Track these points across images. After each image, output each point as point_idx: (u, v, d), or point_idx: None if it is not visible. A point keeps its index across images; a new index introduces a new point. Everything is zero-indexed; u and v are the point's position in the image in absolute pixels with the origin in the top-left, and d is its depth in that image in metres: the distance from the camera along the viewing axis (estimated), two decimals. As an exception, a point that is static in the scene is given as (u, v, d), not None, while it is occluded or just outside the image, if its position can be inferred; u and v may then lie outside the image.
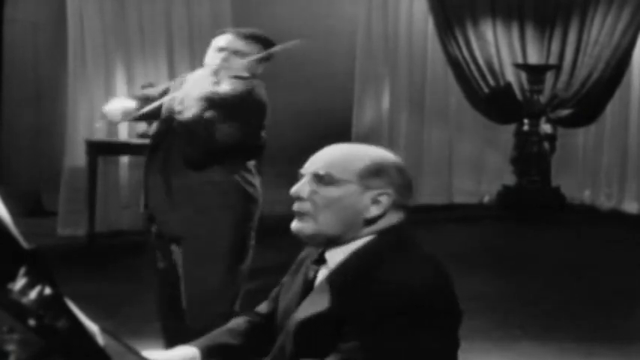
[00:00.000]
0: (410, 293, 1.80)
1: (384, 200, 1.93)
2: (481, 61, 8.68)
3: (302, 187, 1.96)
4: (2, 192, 1.65)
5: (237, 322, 2.19)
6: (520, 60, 8.73)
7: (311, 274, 2.00)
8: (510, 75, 8.75)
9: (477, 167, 9.07)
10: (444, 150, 8.94)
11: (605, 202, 8.68)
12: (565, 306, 5.56)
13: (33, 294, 1.24)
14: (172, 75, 6.96)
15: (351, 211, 1.93)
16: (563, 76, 8.75)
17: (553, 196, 8.59)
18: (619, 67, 8.42)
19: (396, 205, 1.95)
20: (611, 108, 8.62)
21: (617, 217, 8.41)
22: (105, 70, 7.37)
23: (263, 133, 3.64)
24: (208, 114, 3.40)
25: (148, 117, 3.69)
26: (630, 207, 8.48)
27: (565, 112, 8.67)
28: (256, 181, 3.62)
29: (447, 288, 1.88)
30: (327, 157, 1.98)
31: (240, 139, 3.45)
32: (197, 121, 3.37)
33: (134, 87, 7.19)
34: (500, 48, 8.72)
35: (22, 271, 1.26)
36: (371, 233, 1.95)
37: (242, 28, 3.76)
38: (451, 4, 8.58)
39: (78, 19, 7.27)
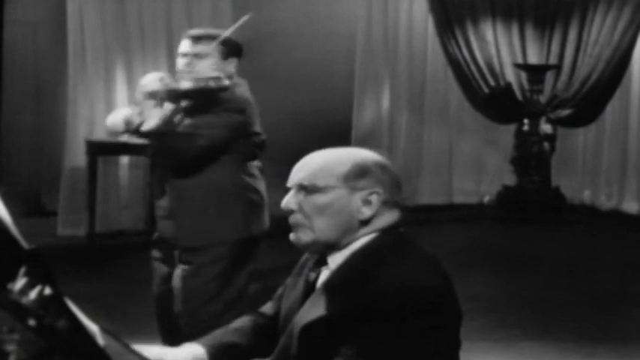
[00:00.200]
0: (410, 293, 1.80)
1: (374, 199, 1.93)
2: (481, 61, 8.68)
3: (290, 199, 1.97)
4: (2, 192, 1.65)
5: (243, 321, 2.19)
6: (520, 60, 8.73)
7: (312, 277, 2.01)
8: (510, 75, 8.75)
9: (477, 167, 9.07)
10: (444, 150, 8.94)
11: (605, 202, 8.68)
12: (565, 306, 5.55)
13: (33, 294, 1.24)
14: (172, 75, 6.94)
15: (344, 214, 1.93)
16: (563, 76, 8.75)
17: (553, 196, 8.59)
18: (619, 67, 8.42)
19: (388, 203, 1.95)
20: (611, 108, 8.61)
21: (617, 217, 8.40)
22: (105, 70, 7.37)
23: (257, 131, 3.61)
24: (173, 115, 3.38)
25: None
26: (630, 207, 8.48)
27: (565, 112, 8.67)
28: (260, 185, 3.60)
29: (447, 288, 1.89)
30: (308, 166, 1.98)
31: (220, 137, 3.41)
32: (159, 131, 3.36)
33: (134, 87, 7.18)
34: (500, 48, 8.71)
35: (22, 271, 1.26)
36: (369, 233, 1.95)
37: (196, 29, 3.76)
38: (451, 4, 8.57)
39: (78, 19, 7.27)
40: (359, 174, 1.94)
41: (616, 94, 8.50)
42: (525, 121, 8.62)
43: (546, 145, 8.61)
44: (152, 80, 3.40)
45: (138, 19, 7.49)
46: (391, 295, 1.79)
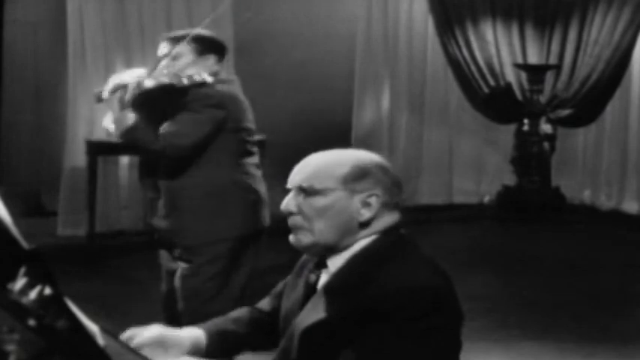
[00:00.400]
0: (411, 295, 1.80)
1: (374, 201, 1.93)
2: (481, 61, 8.68)
3: (289, 202, 1.97)
4: (2, 192, 1.65)
5: (242, 312, 2.20)
6: (520, 60, 8.73)
7: (312, 279, 2.00)
8: (510, 75, 8.75)
9: (477, 167, 9.07)
10: (444, 150, 8.93)
11: (605, 202, 8.68)
12: (565, 306, 5.56)
13: (33, 294, 1.24)
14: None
15: (344, 217, 1.92)
16: (563, 76, 8.74)
17: (553, 196, 8.58)
18: (619, 67, 8.41)
19: (387, 205, 1.95)
20: (611, 108, 8.61)
21: (617, 217, 8.40)
22: (105, 70, 7.36)
23: (247, 127, 3.59)
24: (138, 123, 3.38)
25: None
26: (630, 207, 8.47)
27: (565, 112, 8.67)
28: (257, 183, 3.59)
29: (448, 289, 1.89)
30: (307, 168, 1.97)
31: (201, 134, 3.40)
32: (131, 132, 3.36)
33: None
34: (500, 48, 8.71)
35: (22, 271, 1.26)
36: (369, 235, 1.94)
37: (175, 31, 3.77)
38: (451, 4, 8.57)
39: (78, 19, 7.27)
40: (358, 176, 1.94)
41: (616, 94, 8.50)
42: (525, 121, 8.62)
43: (546, 145, 8.61)
44: (115, 79, 3.41)
45: (138, 19, 7.48)
46: (391, 297, 1.79)
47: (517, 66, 8.69)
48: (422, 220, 7.80)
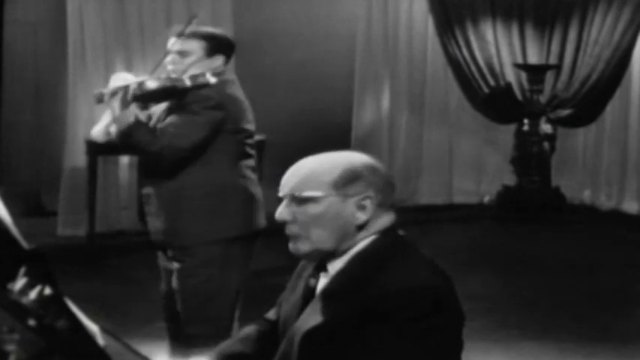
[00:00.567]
0: (411, 295, 1.79)
1: (368, 204, 1.91)
2: (481, 61, 8.67)
3: (283, 211, 1.95)
4: (2, 192, 1.65)
5: (249, 330, 2.19)
6: (520, 60, 8.73)
7: (312, 283, 2.00)
8: (510, 75, 8.75)
9: (477, 167, 9.07)
10: (444, 150, 8.93)
11: (605, 202, 8.67)
12: (565, 306, 5.56)
13: (33, 294, 1.24)
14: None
15: (340, 222, 1.91)
16: (563, 76, 8.74)
17: (553, 196, 8.58)
18: (619, 67, 8.41)
19: (382, 206, 1.94)
20: (611, 108, 8.61)
21: (617, 217, 8.40)
22: (105, 70, 7.36)
23: (246, 128, 3.58)
24: (137, 124, 3.37)
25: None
26: (630, 207, 8.47)
27: (565, 112, 8.66)
28: (252, 185, 3.57)
29: (448, 289, 1.88)
30: (297, 175, 1.95)
31: (198, 136, 3.39)
32: (128, 132, 3.34)
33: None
34: (500, 48, 8.71)
35: (22, 271, 1.26)
36: (367, 237, 1.93)
37: (185, 27, 3.76)
38: (451, 4, 8.57)
39: (78, 18, 7.27)
40: (349, 180, 1.92)
41: (616, 94, 8.50)
42: (525, 121, 8.62)
43: (546, 145, 8.61)
44: (116, 79, 3.41)
45: (138, 19, 7.48)
46: (392, 297, 1.79)
47: (517, 66, 8.69)
48: (422, 220, 7.80)
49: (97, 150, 6.97)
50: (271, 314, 2.19)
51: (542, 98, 8.65)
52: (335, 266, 1.94)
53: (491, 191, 8.85)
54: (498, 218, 8.36)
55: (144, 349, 2.11)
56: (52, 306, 1.25)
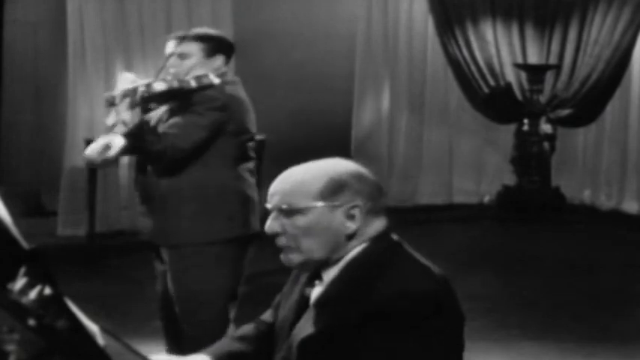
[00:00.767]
0: (409, 300, 1.79)
1: (357, 212, 1.89)
2: (481, 61, 8.67)
3: (272, 224, 1.93)
4: (2, 192, 1.65)
5: (247, 329, 2.18)
6: (520, 60, 8.73)
7: (307, 291, 1.98)
8: (510, 75, 8.75)
9: (477, 167, 9.07)
10: (444, 150, 8.93)
11: (605, 202, 8.68)
12: (565, 306, 5.56)
13: (33, 294, 1.24)
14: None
15: (330, 232, 1.89)
16: (563, 76, 8.74)
17: (553, 196, 8.58)
18: (619, 67, 8.41)
19: (372, 212, 1.91)
20: (611, 108, 8.61)
21: (617, 217, 8.40)
22: (105, 70, 7.36)
23: (249, 130, 3.58)
24: (143, 124, 3.37)
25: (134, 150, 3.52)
26: (630, 207, 8.47)
27: (565, 112, 8.67)
28: (249, 188, 3.56)
29: (446, 291, 1.87)
30: (283, 187, 1.93)
31: (201, 137, 3.39)
32: (133, 136, 3.33)
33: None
34: (500, 48, 8.71)
35: (22, 271, 1.26)
36: (359, 244, 1.92)
37: (183, 30, 3.76)
38: (451, 4, 8.57)
39: (78, 19, 7.27)
40: (335, 189, 1.89)
41: (616, 93, 8.50)
42: (525, 121, 8.62)
43: (546, 145, 8.61)
44: (124, 82, 3.40)
45: (138, 19, 7.49)
46: (391, 304, 1.78)
47: (517, 66, 8.69)
48: (422, 220, 7.80)
49: (97, 150, 6.98)
50: (267, 316, 2.18)
51: (542, 98, 8.65)
52: (329, 274, 1.93)
53: (491, 191, 8.86)
54: (498, 218, 8.36)
55: (144, 349, 2.11)
56: (52, 306, 1.25)
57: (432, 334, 1.79)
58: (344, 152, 8.01)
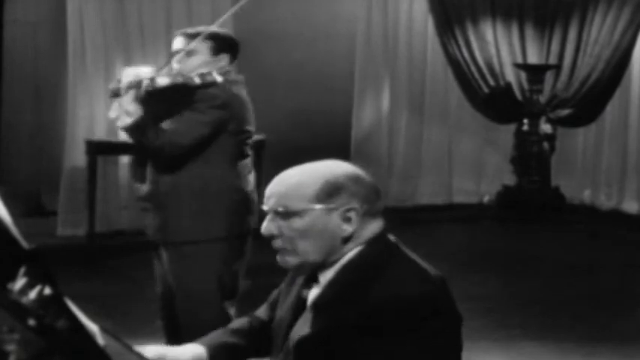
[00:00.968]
0: (406, 303, 1.79)
1: (353, 215, 1.89)
2: (481, 61, 8.68)
3: (269, 225, 1.93)
4: (2, 192, 1.65)
5: (241, 322, 2.19)
6: (520, 60, 8.73)
7: (304, 293, 1.98)
8: (510, 75, 8.75)
9: (477, 167, 9.07)
10: (444, 150, 8.94)
11: (605, 202, 8.68)
12: (565, 306, 5.56)
13: (33, 294, 1.24)
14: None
15: (326, 234, 1.89)
16: (563, 76, 8.75)
17: (553, 196, 8.59)
18: (619, 66, 8.41)
19: (368, 214, 1.91)
20: (611, 108, 8.61)
21: (617, 217, 8.40)
22: (105, 70, 7.37)
23: (248, 129, 3.58)
24: (146, 118, 3.37)
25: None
26: (630, 207, 8.48)
27: (565, 112, 8.67)
28: (246, 185, 3.57)
29: (443, 293, 1.87)
30: (279, 190, 1.93)
31: (201, 134, 3.39)
32: (132, 129, 3.34)
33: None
34: (500, 48, 8.72)
35: (22, 271, 1.26)
36: (356, 246, 1.92)
37: (191, 27, 3.75)
38: (451, 4, 8.58)
39: (78, 19, 7.27)
40: (331, 192, 1.89)
41: (616, 94, 8.50)
42: (525, 121, 8.62)
43: (546, 145, 8.62)
44: (128, 75, 3.40)
45: (138, 19, 7.49)
46: (386, 307, 1.78)
47: (517, 66, 8.69)
48: (422, 220, 7.80)
49: (97, 150, 6.98)
50: (261, 312, 2.19)
51: (542, 98, 8.65)
52: (326, 276, 1.93)
53: (491, 191, 8.86)
54: (498, 218, 8.36)
55: (144, 349, 2.10)
56: (52, 306, 1.25)
57: (429, 337, 1.79)
58: (344, 152, 8.03)
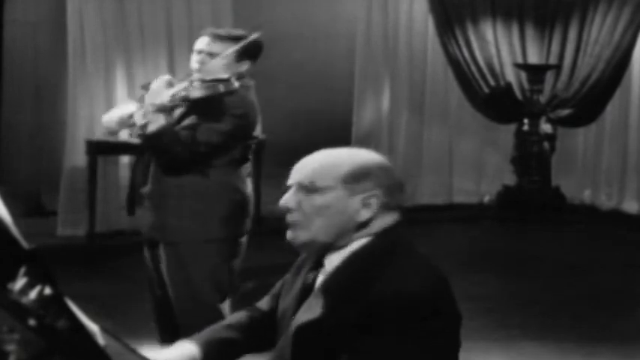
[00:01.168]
0: (407, 297, 1.79)
1: (374, 202, 1.92)
2: (481, 61, 8.67)
3: (289, 198, 1.96)
4: (2, 192, 1.65)
5: (238, 316, 2.18)
6: (520, 60, 8.73)
7: (309, 279, 2.00)
8: (510, 75, 8.75)
9: (477, 167, 9.07)
10: (444, 150, 8.93)
11: (605, 202, 8.68)
12: (565, 306, 5.56)
13: (33, 294, 1.24)
14: (172, 75, 6.95)
15: (342, 216, 1.92)
16: (563, 76, 8.74)
17: (553, 196, 8.59)
18: (619, 66, 8.41)
19: (387, 206, 1.94)
20: (611, 108, 8.61)
21: (617, 217, 8.40)
22: (105, 70, 7.36)
23: (255, 135, 3.59)
24: (185, 121, 3.37)
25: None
26: (630, 207, 8.48)
27: (565, 112, 8.67)
28: (246, 187, 3.58)
29: (445, 291, 1.88)
30: (310, 165, 1.97)
31: (218, 142, 3.40)
32: (163, 134, 3.33)
33: (134, 87, 7.19)
34: (500, 48, 8.71)
35: (22, 271, 1.26)
36: (366, 236, 1.93)
37: (220, 28, 3.73)
38: (451, 4, 8.57)
39: (78, 19, 7.27)
40: (359, 176, 1.93)
41: (616, 94, 8.50)
42: (525, 120, 8.62)
43: (546, 144, 8.61)
44: (162, 86, 3.36)
45: (138, 19, 7.48)
46: (389, 301, 1.78)
47: (517, 66, 8.69)
48: (422, 220, 7.80)
49: (97, 150, 6.98)
50: (262, 304, 2.19)
51: (542, 98, 8.65)
52: (332, 262, 1.94)
53: (491, 191, 8.86)
54: (498, 218, 8.36)
55: (143, 348, 2.11)
56: (52, 306, 1.25)
57: (428, 335, 1.79)
58: (344, 152, 8.00)
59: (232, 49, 3.50)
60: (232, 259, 3.55)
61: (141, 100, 3.46)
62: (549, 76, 8.70)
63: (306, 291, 1.98)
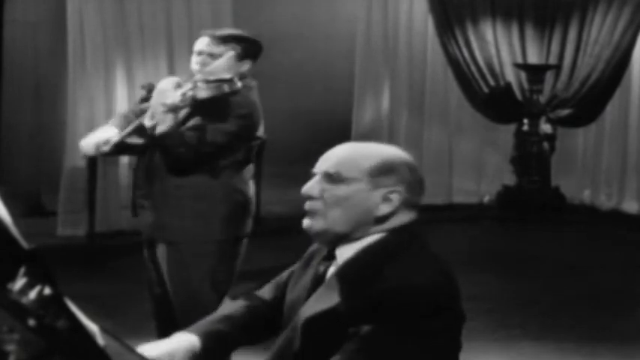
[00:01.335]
0: (417, 296, 1.80)
1: (395, 198, 1.94)
2: (481, 61, 8.68)
3: (312, 185, 1.97)
4: (2, 192, 1.65)
5: (238, 306, 2.17)
6: (520, 60, 8.73)
7: (321, 270, 2.00)
8: (510, 75, 8.75)
9: (477, 167, 9.07)
10: (444, 150, 8.94)
11: (605, 202, 8.68)
12: (565, 306, 5.56)
13: (33, 294, 1.24)
14: (172, 75, 6.95)
15: (361, 209, 1.93)
16: (563, 76, 8.75)
17: (553, 196, 8.59)
18: (619, 66, 8.42)
19: (407, 204, 1.96)
20: (611, 108, 8.61)
21: (617, 217, 8.41)
22: (105, 70, 7.37)
23: (258, 135, 3.59)
24: (190, 122, 3.37)
25: (126, 148, 3.57)
26: (630, 207, 8.48)
27: (565, 112, 8.67)
28: (248, 188, 3.58)
29: (453, 290, 1.89)
30: (337, 155, 1.99)
31: (223, 142, 3.40)
32: (171, 135, 3.33)
33: (134, 87, 7.20)
34: (500, 48, 8.71)
35: (22, 271, 1.26)
36: (381, 231, 1.95)
37: (220, 29, 3.73)
38: (451, 4, 8.58)
39: (78, 18, 7.27)
40: (385, 171, 1.95)
41: (616, 94, 8.50)
42: (525, 121, 8.62)
43: (546, 145, 8.61)
44: (169, 86, 3.36)
45: (138, 19, 7.49)
46: (398, 296, 1.79)
47: (517, 66, 8.69)
48: (422, 220, 7.79)
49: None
50: (264, 292, 2.19)
51: (542, 98, 8.65)
52: (343, 254, 1.95)
53: (491, 191, 8.86)
54: (498, 218, 8.36)
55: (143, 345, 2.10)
56: (52, 306, 1.25)
57: (430, 333, 1.80)
58: (344, 152, 8.01)
59: (233, 49, 3.50)
60: (233, 260, 3.56)
61: (141, 101, 3.46)
62: (549, 76, 8.71)
63: (318, 282, 1.99)
